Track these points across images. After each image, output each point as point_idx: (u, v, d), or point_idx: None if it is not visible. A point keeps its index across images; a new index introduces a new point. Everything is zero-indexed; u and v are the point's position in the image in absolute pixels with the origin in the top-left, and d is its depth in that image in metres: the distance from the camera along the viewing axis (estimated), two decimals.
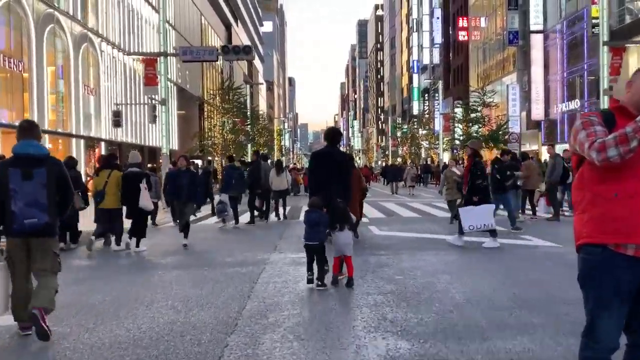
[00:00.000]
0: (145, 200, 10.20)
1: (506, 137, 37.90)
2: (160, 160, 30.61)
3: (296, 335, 4.88)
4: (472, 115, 41.56)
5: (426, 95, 78.53)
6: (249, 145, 47.83)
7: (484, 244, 9.95)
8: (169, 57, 24.55)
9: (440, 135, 52.86)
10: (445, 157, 50.49)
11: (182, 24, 49.06)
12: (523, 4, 43.24)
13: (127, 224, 10.54)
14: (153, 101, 27.10)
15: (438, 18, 70.76)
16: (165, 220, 15.27)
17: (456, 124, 45.56)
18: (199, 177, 13.14)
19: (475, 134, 39.58)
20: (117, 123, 28.57)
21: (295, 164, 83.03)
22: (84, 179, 15.11)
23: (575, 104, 37.11)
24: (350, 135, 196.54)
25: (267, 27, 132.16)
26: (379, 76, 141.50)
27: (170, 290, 6.85)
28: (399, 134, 78.96)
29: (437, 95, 66.66)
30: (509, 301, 5.94)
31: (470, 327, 5.02)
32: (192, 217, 11.66)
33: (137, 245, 10.16)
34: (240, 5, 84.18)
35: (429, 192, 30.66)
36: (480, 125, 40.41)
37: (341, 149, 8.24)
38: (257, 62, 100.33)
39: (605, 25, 24.45)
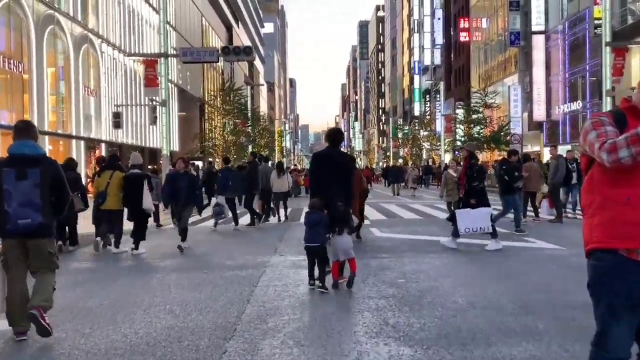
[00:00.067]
0: (148, 202, 10.18)
1: (508, 138, 37.79)
2: (161, 162, 30.55)
3: (296, 341, 4.78)
4: (474, 116, 41.45)
5: (427, 96, 78.44)
6: (250, 147, 47.74)
7: (487, 246, 9.83)
8: (169, 58, 24.47)
9: (441, 137, 52.77)
10: (447, 159, 50.39)
11: (183, 25, 49.03)
12: (524, 4, 43.18)
13: (127, 225, 10.46)
14: (153, 102, 27.03)
15: (439, 19, 70.71)
16: (166, 222, 15.18)
17: (457, 125, 45.46)
18: (197, 180, 13.02)
19: (476, 135, 39.50)
20: (117, 124, 28.54)
21: (296, 165, 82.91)
22: (84, 181, 15.03)
23: (577, 105, 37.05)
24: (351, 136, 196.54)
25: (268, 28, 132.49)
26: (380, 77, 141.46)
27: (169, 293, 6.75)
28: (400, 135, 78.88)
29: (438, 96, 66.66)
30: (514, 305, 5.83)
31: (474, 332, 4.90)
32: (191, 218, 11.56)
33: (136, 248, 10.07)
34: (241, 6, 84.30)
35: (431, 194, 30.54)
36: (482, 127, 40.31)
37: (343, 150, 8.13)
38: (257, 63, 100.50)
39: (608, 26, 24.40)
